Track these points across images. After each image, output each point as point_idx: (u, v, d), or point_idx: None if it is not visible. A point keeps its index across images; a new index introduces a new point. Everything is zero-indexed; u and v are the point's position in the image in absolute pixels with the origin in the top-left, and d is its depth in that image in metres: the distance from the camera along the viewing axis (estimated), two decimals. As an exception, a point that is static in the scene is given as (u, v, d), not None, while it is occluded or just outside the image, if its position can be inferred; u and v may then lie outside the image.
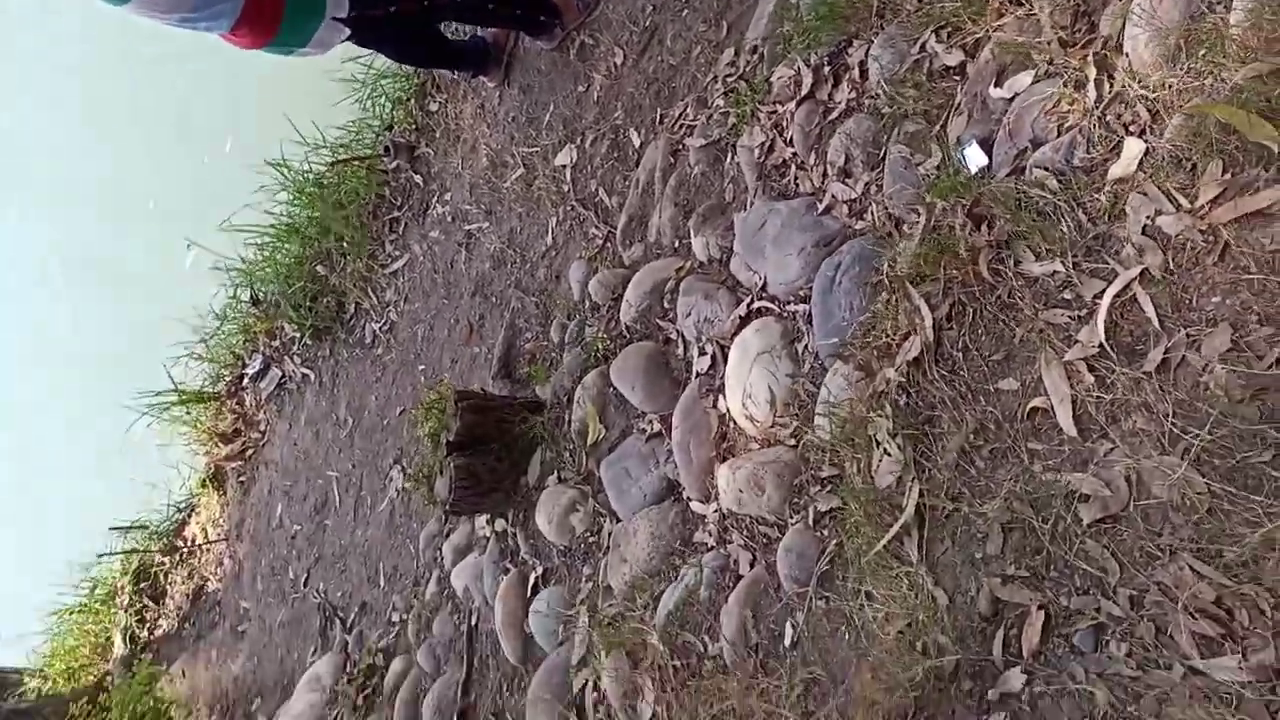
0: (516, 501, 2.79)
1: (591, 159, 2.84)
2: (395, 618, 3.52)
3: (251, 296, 4.68)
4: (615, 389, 2.43)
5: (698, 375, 2.17)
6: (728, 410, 2.04)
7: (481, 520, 3.03)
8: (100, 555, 5.64)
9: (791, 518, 1.77)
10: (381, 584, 3.74)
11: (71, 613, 6.51)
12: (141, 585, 6.20)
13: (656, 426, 2.29)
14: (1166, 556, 1.21)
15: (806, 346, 1.87)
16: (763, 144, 2.13)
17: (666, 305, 2.34)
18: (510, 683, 2.67)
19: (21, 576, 6.67)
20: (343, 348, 4.32)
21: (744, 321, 2.06)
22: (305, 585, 4.45)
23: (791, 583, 1.70)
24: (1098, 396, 1.29)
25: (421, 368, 3.72)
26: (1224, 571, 1.16)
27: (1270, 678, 1.11)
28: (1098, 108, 1.34)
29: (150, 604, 6.17)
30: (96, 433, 5.89)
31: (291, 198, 4.31)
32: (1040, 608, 1.32)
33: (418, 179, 3.97)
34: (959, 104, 1.61)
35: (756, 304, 2.04)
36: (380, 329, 4.01)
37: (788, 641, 1.70)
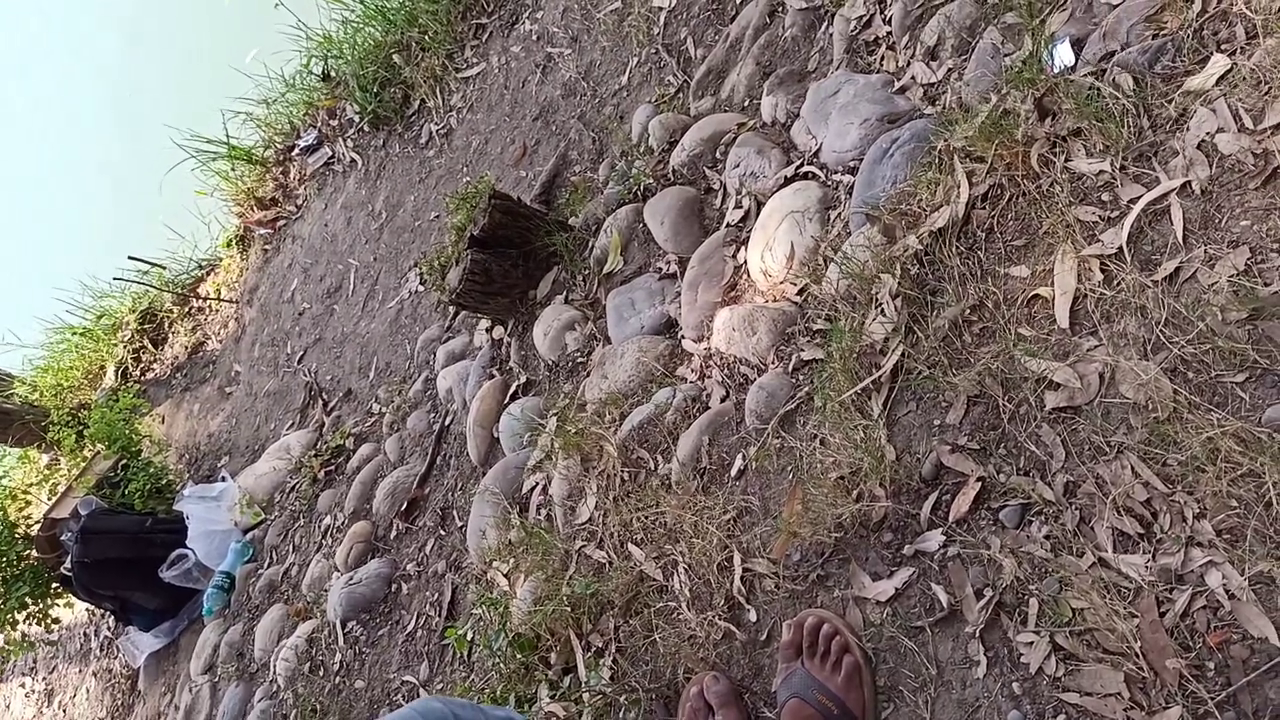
0: (519, 313, 2.84)
1: (689, 6, 2.81)
2: (375, 409, 3.62)
3: (323, 71, 4.67)
4: (645, 226, 2.45)
5: (727, 225, 2.19)
6: (745, 262, 2.07)
7: (479, 331, 3.09)
8: (115, 279, 5.74)
9: (774, 363, 1.81)
10: (371, 376, 3.83)
11: (74, 333, 6.67)
12: (146, 326, 6.36)
13: (673, 268, 2.32)
14: (1113, 453, 1.24)
15: (839, 215, 1.89)
16: (861, 17, 2.10)
17: (718, 155, 2.34)
18: (466, 483, 2.76)
19: (33, 285, 6.81)
20: (396, 142, 4.34)
21: (787, 182, 2.06)
22: (299, 362, 4.55)
23: (754, 418, 1.75)
24: (1100, 295, 1.31)
25: (466, 179, 3.73)
26: (1162, 476, 1.19)
27: (1171, 581, 1.15)
28: (1198, 20, 1.33)
29: (149, 346, 6.33)
30: (141, 162, 5.95)
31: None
32: (979, 479, 1.36)
33: (515, -11, 3.92)
34: (1065, 1, 1.58)
35: (805, 168, 2.05)
36: (438, 131, 4.02)
37: (734, 471, 1.75)
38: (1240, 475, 1.11)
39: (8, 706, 5.82)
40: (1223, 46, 1.30)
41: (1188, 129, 1.28)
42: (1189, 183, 1.26)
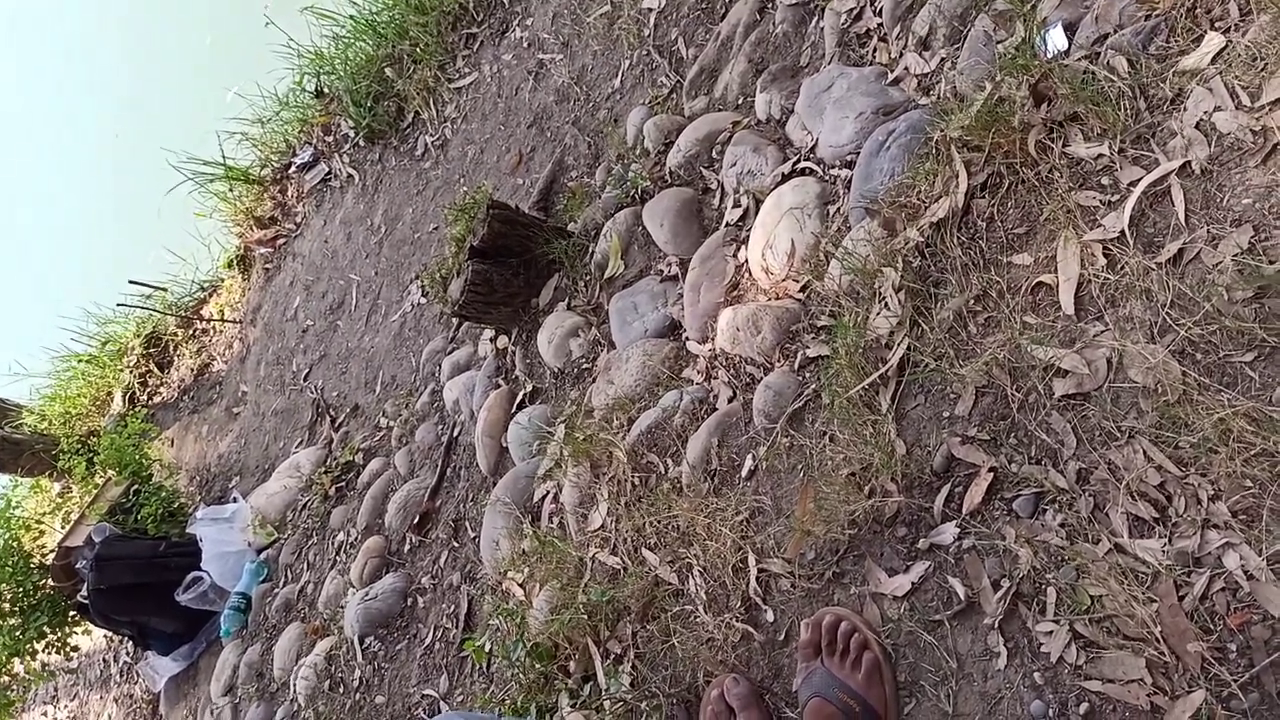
0: (523, 321, 2.84)
1: (679, 6, 2.81)
2: (383, 423, 3.61)
3: (317, 88, 4.68)
4: (644, 228, 2.45)
5: (727, 225, 2.18)
6: (746, 261, 2.06)
7: (484, 341, 3.09)
8: (119, 305, 5.76)
9: (780, 361, 1.81)
10: (377, 390, 3.83)
11: (80, 360, 6.68)
12: (151, 351, 6.36)
13: (674, 270, 2.32)
14: (1124, 438, 1.24)
15: (839, 209, 1.88)
16: (852, 10, 2.10)
17: (714, 155, 2.34)
18: (477, 494, 2.76)
19: (36, 315, 6.83)
20: (392, 155, 4.34)
21: (785, 179, 2.06)
22: (305, 380, 4.56)
23: (763, 418, 1.75)
24: (1104, 280, 1.31)
25: (464, 189, 3.74)
26: (1175, 459, 1.18)
27: (1189, 564, 1.14)
28: (1190, -1, 1.32)
29: (155, 370, 6.34)
30: (139, 187, 5.97)
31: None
32: (991, 470, 1.35)
33: (504, -3, 3.92)
34: (1055, -14, 1.58)
35: (802, 163, 2.04)
36: (433, 142, 4.02)
37: (745, 472, 1.75)
38: (1254, 455, 1.11)
39: (31, 736, 5.84)
40: (1216, 24, 1.29)
41: (1185, 109, 1.28)
42: (1188, 163, 1.26)
